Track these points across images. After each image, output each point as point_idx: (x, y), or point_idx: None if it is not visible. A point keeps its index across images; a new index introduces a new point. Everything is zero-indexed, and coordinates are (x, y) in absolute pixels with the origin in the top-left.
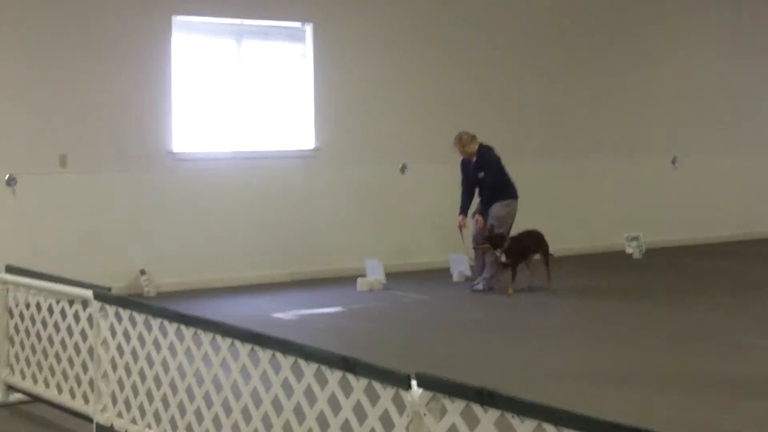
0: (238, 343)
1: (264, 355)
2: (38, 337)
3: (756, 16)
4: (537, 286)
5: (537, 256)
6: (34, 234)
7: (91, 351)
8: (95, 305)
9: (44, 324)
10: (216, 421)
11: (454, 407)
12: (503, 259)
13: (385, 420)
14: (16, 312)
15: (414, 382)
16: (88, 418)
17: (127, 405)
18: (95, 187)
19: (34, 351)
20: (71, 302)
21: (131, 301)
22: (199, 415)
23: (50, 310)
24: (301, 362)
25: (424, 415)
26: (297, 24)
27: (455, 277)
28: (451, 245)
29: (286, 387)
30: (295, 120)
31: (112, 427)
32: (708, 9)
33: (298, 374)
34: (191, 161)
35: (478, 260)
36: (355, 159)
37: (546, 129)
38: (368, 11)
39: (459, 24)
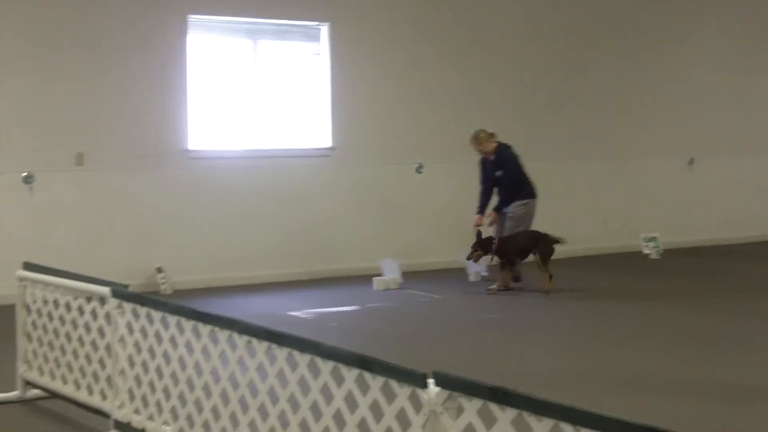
0: (254, 341)
1: (281, 353)
2: (56, 333)
3: None
4: (535, 287)
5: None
6: (51, 231)
7: (108, 348)
8: (112, 302)
9: (62, 321)
10: (233, 418)
11: (471, 406)
12: (495, 261)
13: (402, 418)
14: (33, 309)
15: (431, 381)
16: (105, 415)
17: (145, 402)
18: (112, 185)
19: (51, 347)
20: (89, 299)
21: (148, 299)
22: (215, 412)
23: (68, 307)
24: (318, 360)
25: (441, 413)
26: (313, 23)
27: (472, 277)
28: (467, 245)
29: (303, 385)
30: (311, 119)
31: (129, 423)
32: (725, 11)
33: (315, 372)
34: (207, 160)
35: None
36: (372, 158)
37: (563, 130)
38: (384, 10)
39: (476, 23)
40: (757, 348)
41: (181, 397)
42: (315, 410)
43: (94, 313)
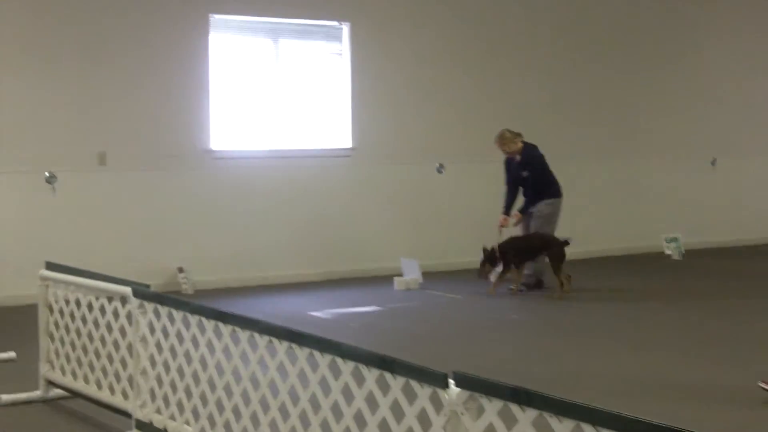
0: (275, 341)
1: (301, 353)
2: (78, 333)
3: None
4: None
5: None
6: (73, 231)
7: (130, 347)
8: (134, 302)
9: (84, 320)
10: (254, 418)
11: (492, 406)
12: (502, 268)
13: (423, 419)
14: (56, 308)
15: (451, 381)
16: (127, 414)
17: (166, 401)
18: (134, 184)
19: (73, 347)
20: (110, 299)
21: (170, 299)
22: (237, 412)
23: (90, 306)
24: (339, 361)
25: (462, 414)
26: (334, 23)
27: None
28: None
29: (324, 385)
30: (332, 119)
31: (150, 423)
32: (748, 10)
33: (336, 372)
34: (229, 159)
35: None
36: (392, 158)
37: (585, 130)
38: (405, 9)
39: (499, 22)
40: None
41: (203, 397)
42: (336, 410)
43: (115, 313)
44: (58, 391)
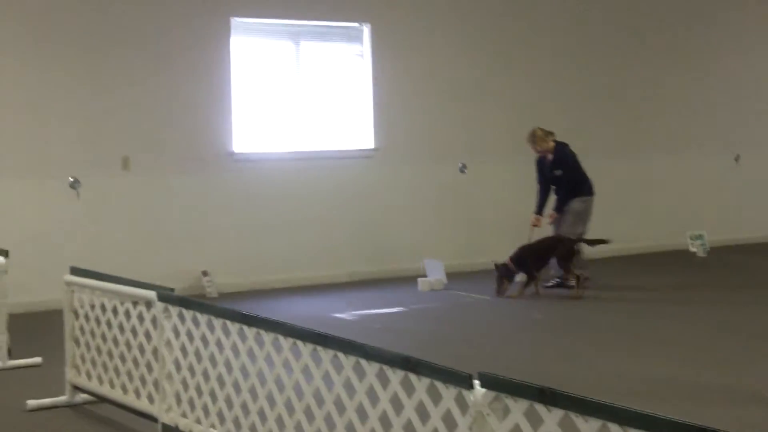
0: (300, 343)
1: (326, 355)
2: (103, 338)
3: None
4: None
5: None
6: (97, 236)
7: (155, 351)
8: (159, 306)
9: (109, 325)
10: (279, 421)
11: (517, 407)
12: (520, 278)
13: (448, 420)
14: (81, 313)
15: (476, 382)
16: (153, 418)
17: (192, 405)
18: (157, 188)
19: (99, 352)
20: (135, 303)
21: (194, 302)
22: (262, 415)
23: (114, 311)
24: (363, 362)
25: (487, 414)
26: (354, 24)
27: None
28: (512, 245)
29: (348, 387)
30: (354, 120)
31: (176, 427)
32: None
33: (360, 374)
34: (251, 162)
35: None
36: (414, 159)
37: (607, 128)
38: (425, 10)
39: (519, 21)
40: None
41: (228, 400)
42: (361, 412)
43: (140, 317)
44: (84, 396)
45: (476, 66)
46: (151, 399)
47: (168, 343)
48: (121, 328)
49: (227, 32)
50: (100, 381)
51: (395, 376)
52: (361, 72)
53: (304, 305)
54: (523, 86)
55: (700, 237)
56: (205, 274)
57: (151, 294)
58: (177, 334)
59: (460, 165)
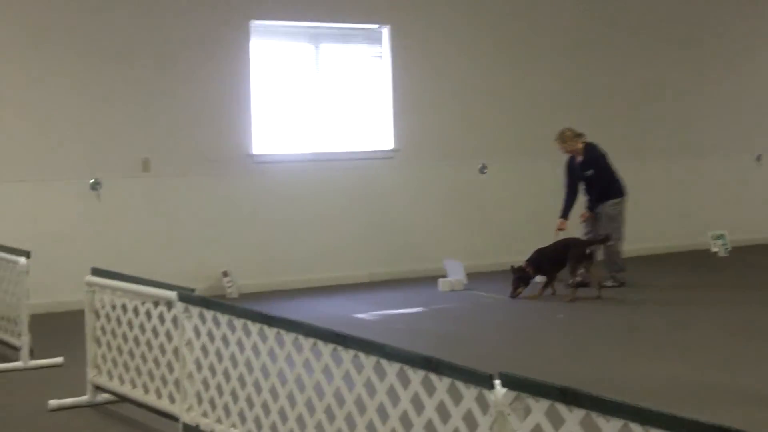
0: (320, 343)
1: (346, 355)
2: (124, 338)
3: None
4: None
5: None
6: (118, 237)
7: (176, 351)
8: (179, 306)
9: (130, 325)
10: (300, 420)
11: (539, 407)
12: (539, 279)
13: (469, 420)
14: (102, 314)
15: (497, 382)
16: (174, 418)
17: (212, 405)
18: (178, 190)
19: (120, 352)
20: (156, 304)
21: (215, 303)
22: (283, 414)
23: (135, 311)
24: (384, 362)
25: (508, 414)
26: (374, 26)
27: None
28: (533, 245)
29: (369, 387)
30: (373, 121)
31: (198, 426)
32: None
33: (381, 374)
34: (271, 163)
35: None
36: (434, 159)
37: (629, 129)
38: (444, 11)
39: (539, 23)
40: None
41: (249, 400)
42: (381, 412)
43: (161, 318)
44: (105, 396)
45: (495, 68)
46: (172, 399)
47: (189, 343)
48: (142, 328)
49: (247, 35)
50: (122, 381)
51: (416, 376)
52: (380, 73)
53: (325, 306)
54: (545, 87)
55: (721, 237)
56: (225, 274)
57: (172, 294)
58: (198, 334)
59: (480, 166)
